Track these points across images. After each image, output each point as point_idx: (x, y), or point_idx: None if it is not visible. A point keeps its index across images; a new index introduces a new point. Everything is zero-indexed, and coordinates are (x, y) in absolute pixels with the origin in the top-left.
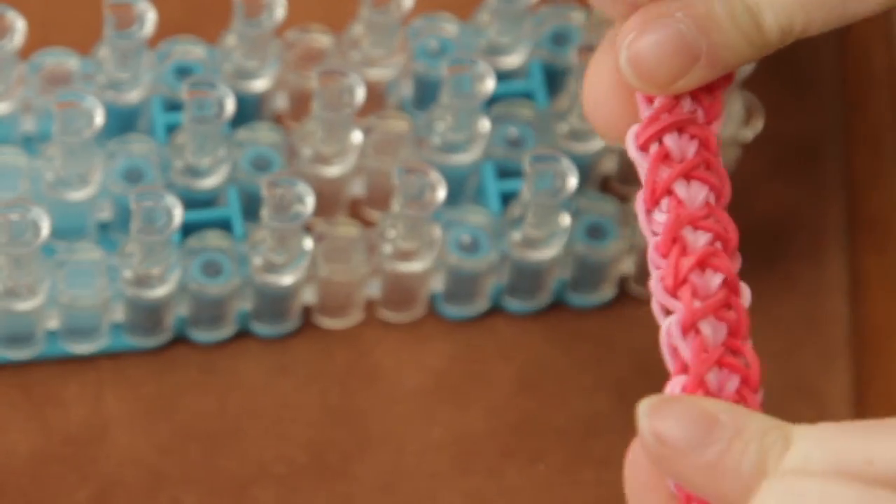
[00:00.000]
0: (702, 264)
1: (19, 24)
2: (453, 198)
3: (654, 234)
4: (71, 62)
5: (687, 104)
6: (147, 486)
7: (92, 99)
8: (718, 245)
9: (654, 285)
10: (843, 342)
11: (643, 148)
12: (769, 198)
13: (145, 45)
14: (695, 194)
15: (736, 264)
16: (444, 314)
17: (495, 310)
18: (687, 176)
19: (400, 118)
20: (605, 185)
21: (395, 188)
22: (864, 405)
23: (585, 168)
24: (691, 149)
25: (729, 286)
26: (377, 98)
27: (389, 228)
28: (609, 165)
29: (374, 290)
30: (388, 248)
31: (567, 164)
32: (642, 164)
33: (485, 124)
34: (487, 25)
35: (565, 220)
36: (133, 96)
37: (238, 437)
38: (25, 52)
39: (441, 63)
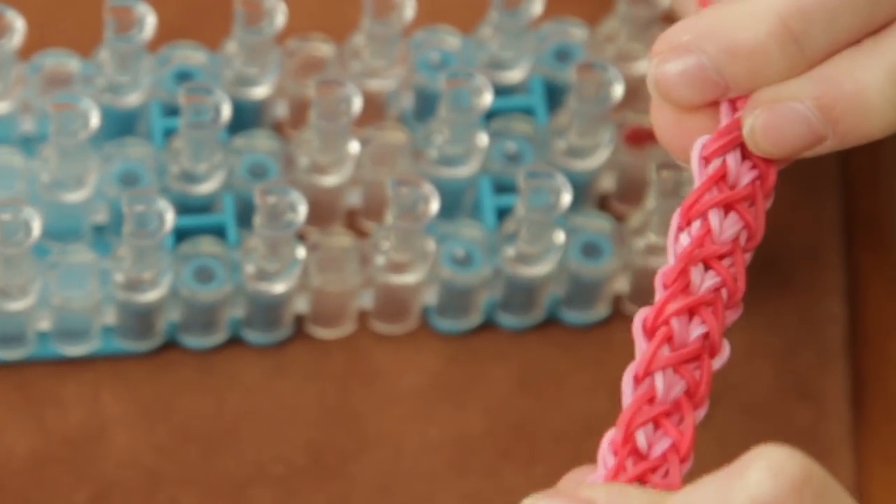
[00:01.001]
0: (692, 311)
1: (18, 24)
2: (449, 211)
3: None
4: (71, 64)
5: None
6: (145, 487)
7: (88, 101)
8: (724, 292)
9: (637, 318)
10: (841, 342)
11: (708, 160)
12: None
13: (145, 48)
14: (727, 227)
15: (733, 316)
16: (437, 328)
17: (489, 324)
18: (728, 206)
19: (398, 130)
20: (603, 204)
21: (389, 200)
22: (862, 405)
23: (583, 186)
24: (747, 178)
25: (708, 342)
26: (377, 109)
27: (383, 240)
28: (607, 183)
29: (366, 301)
30: (381, 260)
31: (561, 181)
32: (698, 179)
33: (482, 138)
34: (489, 39)
35: (559, 236)
36: (132, 100)
37: (236, 437)
38: (25, 53)
39: (442, 76)
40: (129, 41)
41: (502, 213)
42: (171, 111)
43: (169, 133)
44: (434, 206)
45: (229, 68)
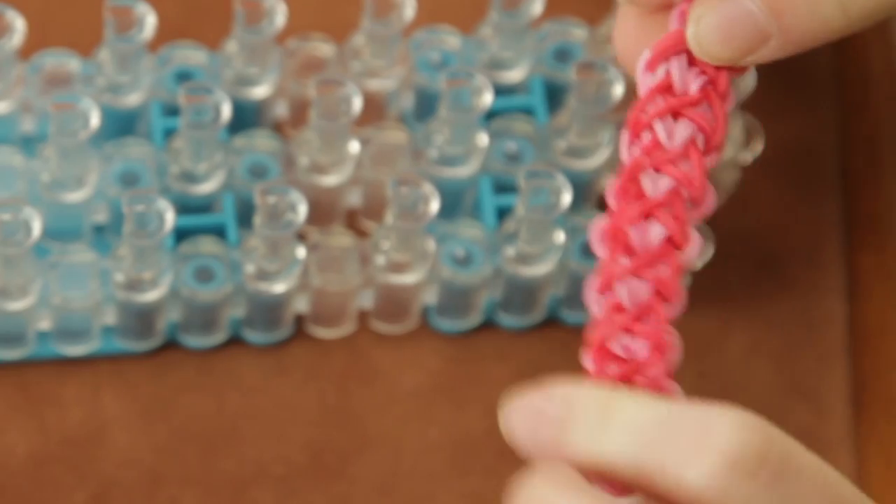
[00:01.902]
0: (647, 215)
1: (18, 24)
2: (450, 211)
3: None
4: (71, 64)
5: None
6: (145, 487)
7: (88, 101)
8: (685, 192)
9: (594, 230)
10: (841, 342)
11: (650, 68)
12: (767, 198)
13: (145, 48)
14: (678, 133)
15: (697, 214)
16: (437, 327)
17: (489, 324)
18: (676, 113)
19: (398, 130)
20: (603, 203)
21: (389, 200)
22: (862, 405)
23: (583, 185)
24: (696, 84)
25: (671, 241)
26: (377, 109)
27: (383, 240)
28: (607, 183)
29: (367, 301)
30: (381, 260)
31: (561, 181)
32: (643, 89)
33: (483, 138)
34: (489, 40)
35: (559, 236)
36: (132, 100)
37: (236, 437)
38: (26, 53)
39: (442, 76)
40: (130, 41)
41: (502, 213)
42: (172, 111)
43: (169, 133)
44: (434, 205)
45: (229, 68)
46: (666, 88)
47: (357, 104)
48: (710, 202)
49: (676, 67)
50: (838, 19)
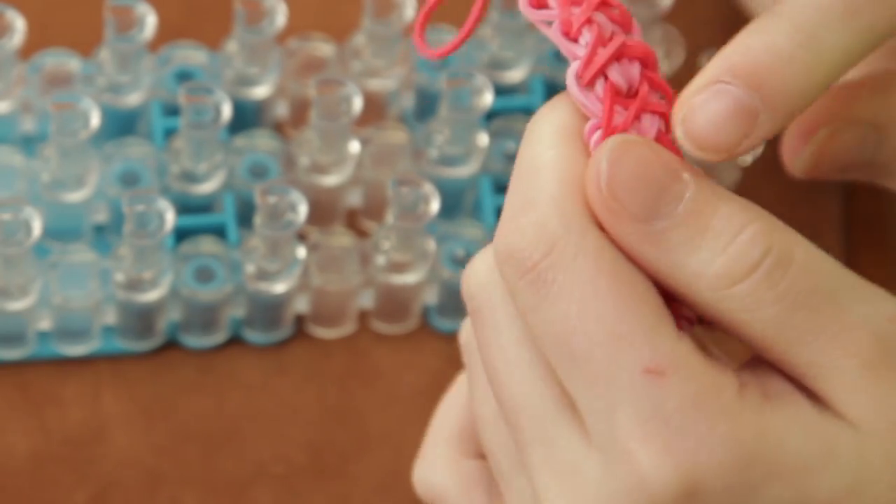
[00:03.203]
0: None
1: (19, 24)
2: (450, 211)
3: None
4: (71, 64)
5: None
6: (145, 487)
7: (88, 101)
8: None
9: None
10: None
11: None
12: (767, 198)
13: (145, 48)
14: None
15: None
16: (437, 327)
17: None
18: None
19: (398, 130)
20: None
21: (389, 200)
22: None
23: None
24: (635, 71)
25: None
26: (378, 109)
27: (383, 240)
28: None
29: (367, 301)
30: (381, 260)
31: None
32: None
33: (483, 138)
34: (490, 40)
35: None
36: (132, 99)
37: (236, 437)
38: (26, 53)
39: (442, 76)
40: (130, 41)
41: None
42: (172, 111)
43: (169, 133)
44: (434, 205)
45: (230, 68)
46: (616, 93)
47: (357, 104)
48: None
49: (616, 72)
50: (818, 71)
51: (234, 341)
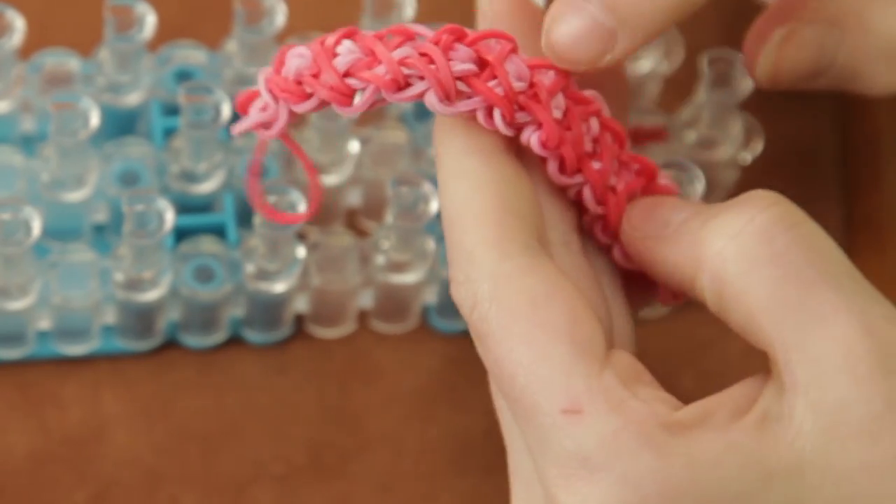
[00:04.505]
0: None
1: (18, 24)
2: None
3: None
4: (71, 63)
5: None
6: (145, 487)
7: (88, 100)
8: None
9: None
10: None
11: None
12: None
13: (145, 48)
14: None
15: None
16: (437, 327)
17: None
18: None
19: (398, 129)
20: None
21: (389, 199)
22: None
23: None
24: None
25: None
26: (378, 109)
27: (383, 239)
28: None
29: (367, 300)
30: (381, 260)
31: None
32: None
33: None
34: None
35: None
36: (132, 99)
37: (236, 437)
38: (26, 53)
39: None
40: (130, 41)
41: None
42: (172, 110)
43: (169, 132)
44: (434, 205)
45: (229, 68)
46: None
47: None
48: None
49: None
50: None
51: (234, 341)
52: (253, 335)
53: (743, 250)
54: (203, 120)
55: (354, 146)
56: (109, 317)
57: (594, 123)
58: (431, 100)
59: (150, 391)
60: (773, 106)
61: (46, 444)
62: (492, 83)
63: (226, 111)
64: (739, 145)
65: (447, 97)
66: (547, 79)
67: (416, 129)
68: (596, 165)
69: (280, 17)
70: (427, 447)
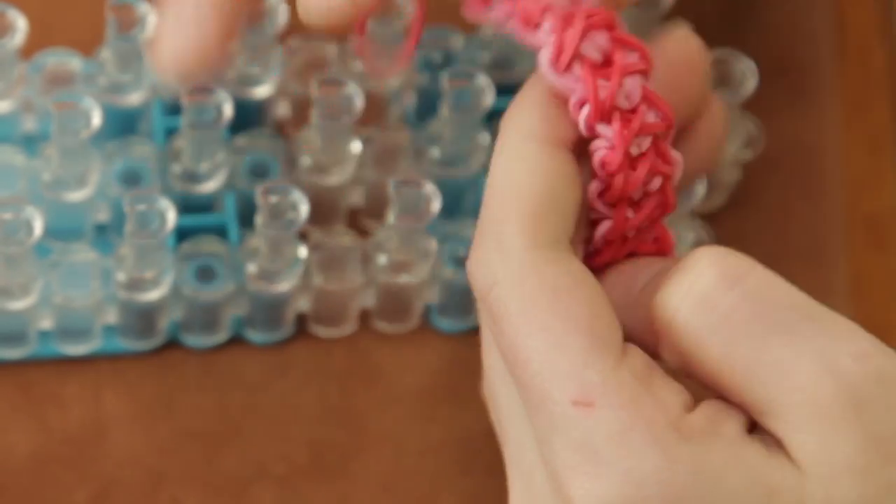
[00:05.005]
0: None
1: (20, 23)
2: (452, 211)
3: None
4: (73, 63)
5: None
6: (146, 486)
7: (89, 100)
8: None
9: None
10: None
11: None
12: (767, 198)
13: (147, 47)
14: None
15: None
16: (439, 327)
17: None
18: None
19: (400, 129)
20: None
21: (391, 200)
22: None
23: None
24: (604, 40)
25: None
26: (379, 109)
27: (384, 240)
28: None
29: (368, 300)
30: (382, 260)
31: None
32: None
33: (484, 138)
34: (491, 39)
35: None
36: (134, 99)
37: (237, 436)
38: (27, 52)
39: (444, 76)
40: (131, 40)
41: None
42: (173, 110)
43: (171, 132)
44: (436, 205)
45: (231, 67)
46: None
47: (359, 104)
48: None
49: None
50: None
51: (236, 341)
52: (254, 335)
53: (689, 320)
54: (205, 120)
55: (356, 146)
56: (111, 317)
57: (657, 182)
58: (544, 57)
59: (151, 391)
60: (773, 106)
61: (48, 443)
62: (601, 81)
63: (227, 111)
64: (741, 145)
65: (557, 63)
66: (651, 117)
67: (417, 128)
68: (629, 214)
69: (281, 16)
70: (428, 447)
